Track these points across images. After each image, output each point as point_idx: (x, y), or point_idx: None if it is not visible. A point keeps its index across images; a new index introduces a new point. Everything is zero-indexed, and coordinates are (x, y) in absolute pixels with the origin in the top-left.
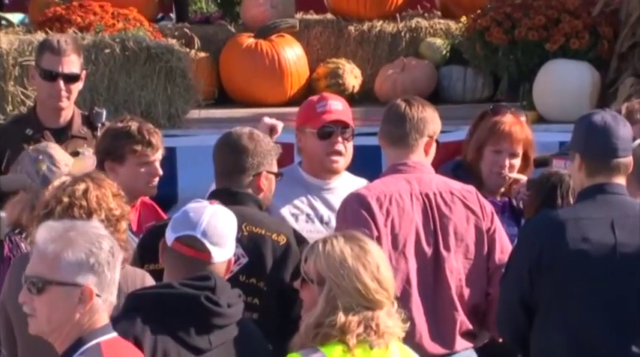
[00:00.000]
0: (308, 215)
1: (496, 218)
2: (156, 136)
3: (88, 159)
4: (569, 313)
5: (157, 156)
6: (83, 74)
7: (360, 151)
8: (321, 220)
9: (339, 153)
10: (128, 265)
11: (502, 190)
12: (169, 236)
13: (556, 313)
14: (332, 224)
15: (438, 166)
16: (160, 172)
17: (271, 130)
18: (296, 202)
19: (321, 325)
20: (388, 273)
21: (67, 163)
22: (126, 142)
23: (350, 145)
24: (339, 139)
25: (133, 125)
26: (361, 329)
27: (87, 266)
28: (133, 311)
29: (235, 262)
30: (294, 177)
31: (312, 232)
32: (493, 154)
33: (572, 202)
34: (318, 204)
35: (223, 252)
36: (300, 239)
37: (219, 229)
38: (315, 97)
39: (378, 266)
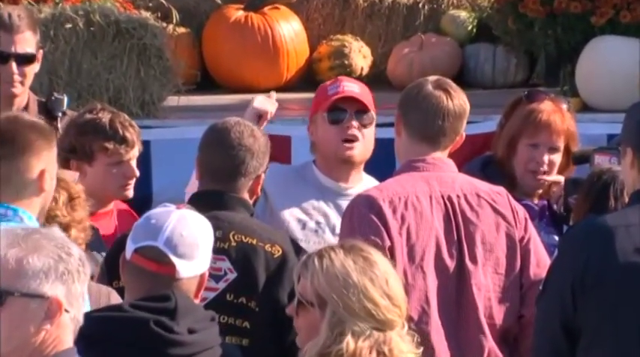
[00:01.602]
0: (318, 223)
1: (530, 225)
2: (131, 130)
3: (70, 175)
4: (620, 338)
5: (133, 154)
6: (40, 54)
7: None
8: (333, 231)
9: (354, 138)
10: (92, 282)
11: (539, 191)
12: (129, 247)
13: (603, 337)
14: None
15: (463, 163)
16: (137, 173)
17: (260, 116)
18: (305, 205)
19: (326, 356)
20: (398, 287)
21: None
22: (94, 138)
23: (369, 133)
24: (353, 123)
25: (104, 117)
26: (373, 356)
27: (55, 275)
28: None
29: (222, 278)
30: (306, 176)
31: (320, 243)
32: (529, 148)
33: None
34: (331, 211)
35: (192, 265)
36: (298, 250)
37: (186, 238)
38: (328, 81)
39: (387, 279)
